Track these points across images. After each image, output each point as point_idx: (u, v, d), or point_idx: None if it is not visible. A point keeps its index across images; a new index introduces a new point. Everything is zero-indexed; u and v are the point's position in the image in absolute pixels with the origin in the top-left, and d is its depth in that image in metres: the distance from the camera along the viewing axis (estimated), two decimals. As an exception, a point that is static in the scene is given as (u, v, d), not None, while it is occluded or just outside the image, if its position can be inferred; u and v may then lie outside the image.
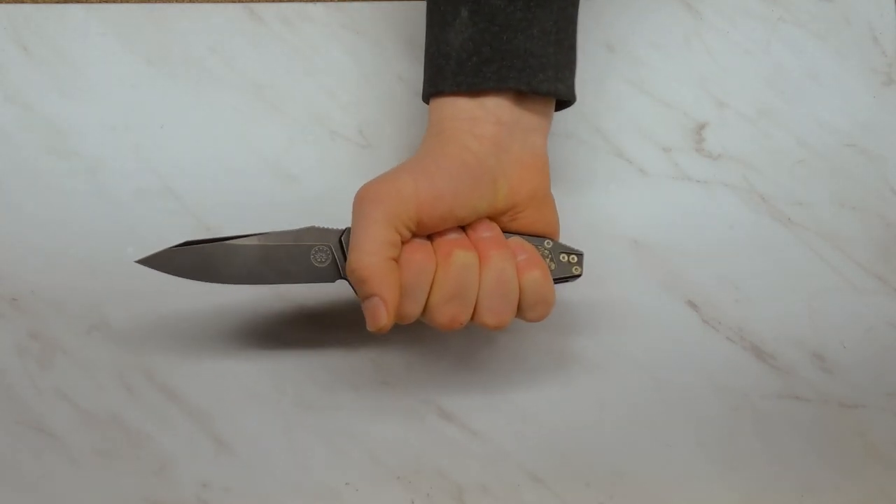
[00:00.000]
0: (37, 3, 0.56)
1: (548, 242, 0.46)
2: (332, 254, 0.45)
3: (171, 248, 0.45)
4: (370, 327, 0.42)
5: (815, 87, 0.56)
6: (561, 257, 0.46)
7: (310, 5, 0.57)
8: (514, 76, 0.44)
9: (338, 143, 0.55)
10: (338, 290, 0.52)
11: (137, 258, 0.45)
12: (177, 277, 0.45)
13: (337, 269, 0.45)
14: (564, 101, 0.47)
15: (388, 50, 0.56)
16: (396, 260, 0.43)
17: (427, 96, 0.46)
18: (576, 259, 0.46)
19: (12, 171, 0.54)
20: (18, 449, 0.51)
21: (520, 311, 0.45)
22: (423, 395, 0.52)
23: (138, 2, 0.57)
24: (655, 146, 0.55)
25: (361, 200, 0.43)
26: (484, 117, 0.44)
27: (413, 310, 0.43)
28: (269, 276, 0.45)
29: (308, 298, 0.52)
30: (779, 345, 0.52)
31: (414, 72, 0.55)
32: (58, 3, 0.56)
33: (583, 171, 0.54)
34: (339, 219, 0.46)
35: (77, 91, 0.55)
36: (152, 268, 0.45)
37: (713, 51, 0.56)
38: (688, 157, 0.55)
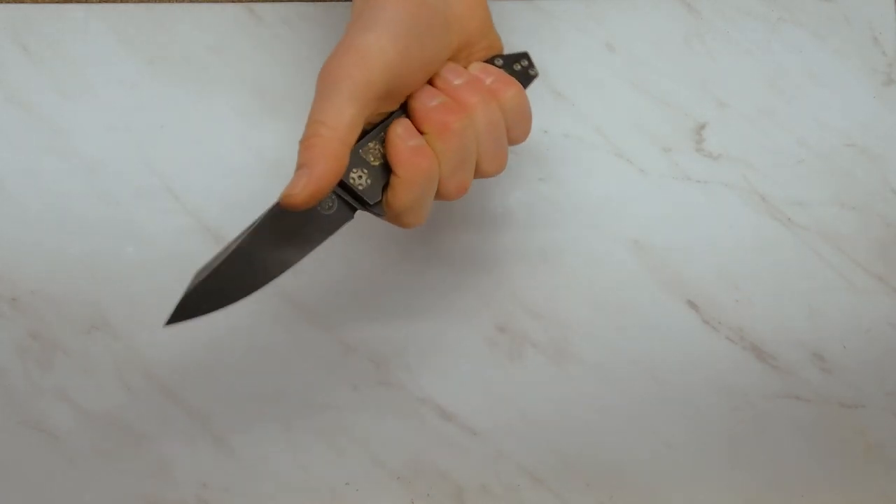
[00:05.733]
0: (37, 3, 0.56)
1: (498, 60, 0.44)
2: (335, 194, 0.41)
3: (186, 294, 0.40)
4: (283, 198, 0.38)
5: (815, 87, 0.56)
6: (515, 66, 0.44)
7: (310, 5, 0.57)
8: None
9: (338, 143, 0.55)
10: (337, 288, 0.53)
11: (165, 322, 0.40)
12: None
13: (349, 205, 0.41)
14: None
15: (388, 50, 0.56)
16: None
17: None
18: (527, 62, 0.44)
19: (12, 171, 0.54)
20: (18, 449, 0.51)
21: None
22: (423, 395, 0.52)
23: (138, 1, 0.57)
24: (655, 146, 0.55)
25: (324, 80, 0.39)
26: None
27: (426, 211, 0.41)
28: (292, 255, 0.41)
29: (307, 297, 0.52)
30: (779, 345, 0.52)
31: (414, 72, 0.55)
32: (58, 2, 0.56)
33: (583, 171, 0.54)
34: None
35: (77, 91, 0.55)
36: (183, 321, 0.40)
37: (713, 51, 0.56)
38: (688, 157, 0.55)
